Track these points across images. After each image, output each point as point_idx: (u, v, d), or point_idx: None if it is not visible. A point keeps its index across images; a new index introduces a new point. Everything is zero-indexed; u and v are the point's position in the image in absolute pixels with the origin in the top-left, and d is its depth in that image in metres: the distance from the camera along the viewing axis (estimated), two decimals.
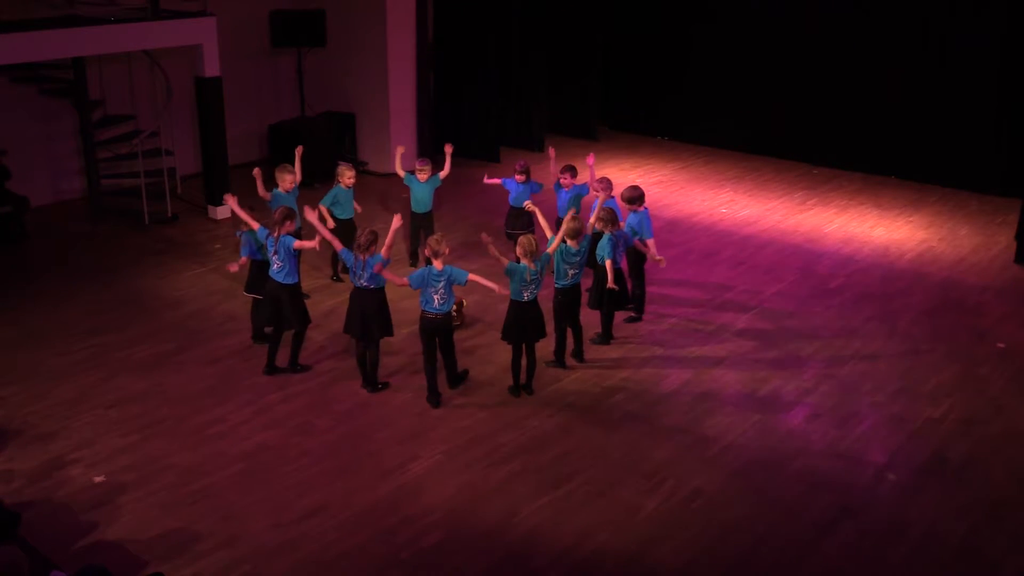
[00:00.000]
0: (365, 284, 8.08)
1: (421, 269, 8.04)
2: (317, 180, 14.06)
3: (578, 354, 8.98)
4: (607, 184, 9.56)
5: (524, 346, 8.32)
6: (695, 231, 12.61)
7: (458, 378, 8.46)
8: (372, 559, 6.32)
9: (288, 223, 8.39)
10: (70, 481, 7.07)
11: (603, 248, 8.86)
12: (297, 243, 8.36)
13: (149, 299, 10.30)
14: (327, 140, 14.58)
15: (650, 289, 10.06)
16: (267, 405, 8.17)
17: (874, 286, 10.86)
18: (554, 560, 6.34)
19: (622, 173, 15.25)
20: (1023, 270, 11.39)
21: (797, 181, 14.92)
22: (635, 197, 9.43)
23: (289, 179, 9.76)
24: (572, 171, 10.40)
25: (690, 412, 8.15)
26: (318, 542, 6.46)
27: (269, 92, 15.26)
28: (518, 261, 8.05)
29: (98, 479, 7.09)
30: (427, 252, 8.05)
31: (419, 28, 14.75)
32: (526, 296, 8.13)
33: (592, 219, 8.88)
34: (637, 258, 9.61)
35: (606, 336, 9.34)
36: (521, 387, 8.41)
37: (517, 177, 10.65)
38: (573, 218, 8.58)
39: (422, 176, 10.70)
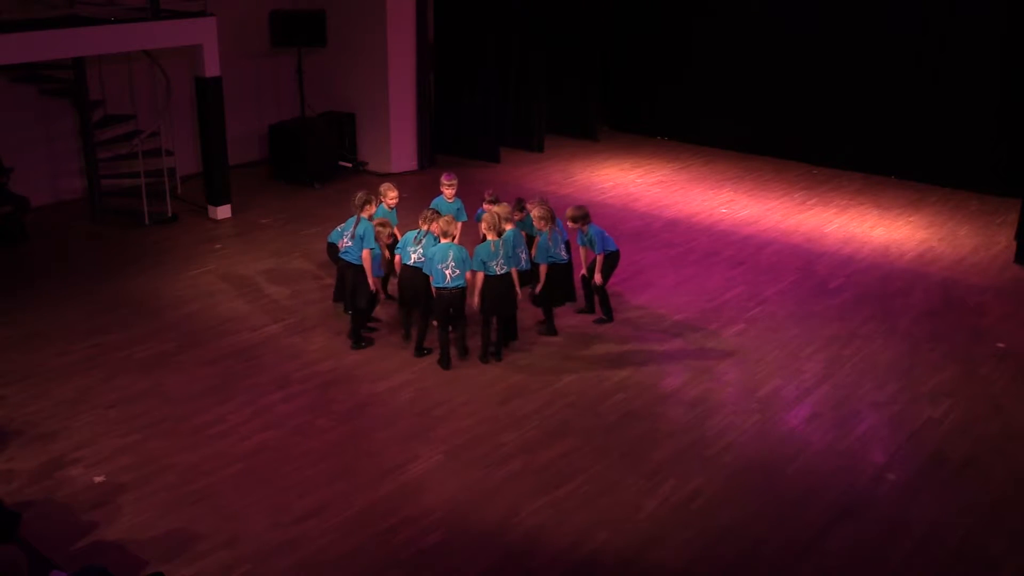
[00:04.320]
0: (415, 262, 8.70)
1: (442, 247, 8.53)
2: (318, 180, 14.11)
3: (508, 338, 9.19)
4: (542, 199, 9.73)
5: (497, 320, 8.82)
6: (695, 231, 12.61)
7: (466, 349, 8.90)
8: (372, 559, 6.32)
9: (368, 207, 8.91)
10: (70, 481, 7.06)
11: (541, 248, 9.06)
12: (366, 259, 8.77)
13: (149, 299, 10.29)
14: (327, 140, 14.58)
15: (650, 290, 10.06)
16: (267, 405, 8.17)
17: (874, 286, 10.86)
18: (554, 560, 6.34)
19: (622, 173, 15.28)
20: (1023, 270, 11.39)
21: (797, 181, 14.92)
22: (579, 216, 9.40)
23: (392, 195, 9.86)
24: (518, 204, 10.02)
25: (690, 412, 8.14)
26: (318, 542, 6.46)
27: (269, 92, 15.25)
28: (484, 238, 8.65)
29: (98, 479, 7.09)
30: (436, 230, 8.59)
31: (419, 28, 14.75)
32: (497, 270, 8.53)
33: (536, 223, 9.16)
34: (607, 265, 9.55)
35: (550, 328, 9.43)
36: (490, 353, 8.86)
37: (485, 206, 10.35)
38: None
39: (448, 192, 10.18)
